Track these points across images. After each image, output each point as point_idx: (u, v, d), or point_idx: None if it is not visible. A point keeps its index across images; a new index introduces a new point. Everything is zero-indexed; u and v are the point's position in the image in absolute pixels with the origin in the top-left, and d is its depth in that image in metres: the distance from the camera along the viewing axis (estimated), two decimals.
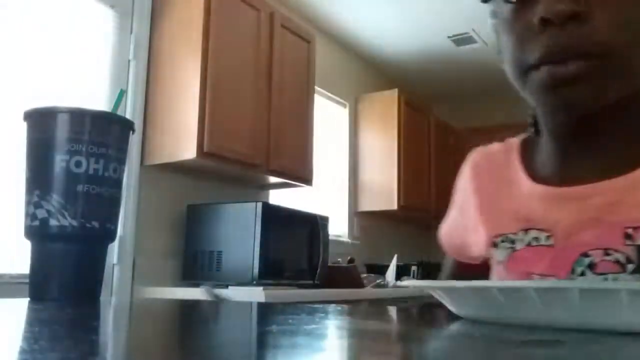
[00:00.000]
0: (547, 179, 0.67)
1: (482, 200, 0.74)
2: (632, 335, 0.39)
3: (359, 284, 2.95)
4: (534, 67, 0.58)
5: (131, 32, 2.58)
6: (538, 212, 0.65)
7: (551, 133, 0.68)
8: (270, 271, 2.41)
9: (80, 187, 0.76)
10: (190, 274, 2.54)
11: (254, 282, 2.35)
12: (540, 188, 0.67)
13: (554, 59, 0.56)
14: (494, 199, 0.73)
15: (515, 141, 0.76)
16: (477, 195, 0.75)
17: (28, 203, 0.77)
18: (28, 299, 0.76)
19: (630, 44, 0.55)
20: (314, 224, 2.73)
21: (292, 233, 2.63)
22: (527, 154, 0.72)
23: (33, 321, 0.50)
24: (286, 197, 3.27)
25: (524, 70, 0.60)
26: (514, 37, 0.60)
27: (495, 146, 0.79)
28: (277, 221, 2.52)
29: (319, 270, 2.68)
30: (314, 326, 0.46)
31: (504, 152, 0.76)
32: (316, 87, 3.30)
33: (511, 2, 0.60)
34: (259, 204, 2.43)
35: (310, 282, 2.64)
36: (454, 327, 0.49)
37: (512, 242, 0.67)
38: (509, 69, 0.65)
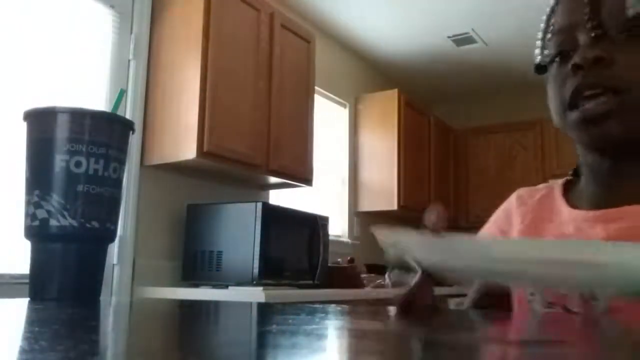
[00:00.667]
0: (584, 206, 0.74)
1: (524, 224, 0.81)
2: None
3: (359, 284, 2.95)
4: (570, 106, 0.69)
5: (131, 32, 2.58)
6: (571, 232, 0.72)
7: (589, 165, 0.75)
8: (270, 271, 2.41)
9: (80, 187, 0.76)
10: (190, 274, 2.54)
11: (254, 282, 2.35)
12: (575, 213, 0.74)
13: (583, 95, 0.66)
14: (536, 224, 0.79)
15: (559, 181, 0.84)
16: (520, 219, 0.82)
17: (28, 203, 0.77)
18: (28, 299, 0.76)
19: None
20: (314, 224, 2.73)
21: (292, 233, 2.63)
22: (569, 189, 0.81)
23: (33, 321, 0.50)
24: (286, 197, 3.27)
25: (563, 111, 0.70)
26: (556, 84, 0.72)
27: (540, 185, 0.88)
28: (277, 221, 2.52)
29: (319, 270, 2.68)
30: (314, 326, 0.46)
31: (548, 188, 0.84)
32: (316, 87, 3.30)
33: (554, 61, 0.72)
34: (259, 204, 2.43)
35: (310, 282, 2.64)
36: (454, 327, 0.49)
37: None
38: (553, 114, 0.74)
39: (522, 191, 0.87)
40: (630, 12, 0.63)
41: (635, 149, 0.68)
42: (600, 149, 0.71)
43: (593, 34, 0.66)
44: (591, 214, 0.72)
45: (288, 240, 2.59)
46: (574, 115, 0.68)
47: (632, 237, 0.63)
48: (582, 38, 0.67)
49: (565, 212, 0.76)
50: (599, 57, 0.65)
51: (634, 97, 0.64)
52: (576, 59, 0.66)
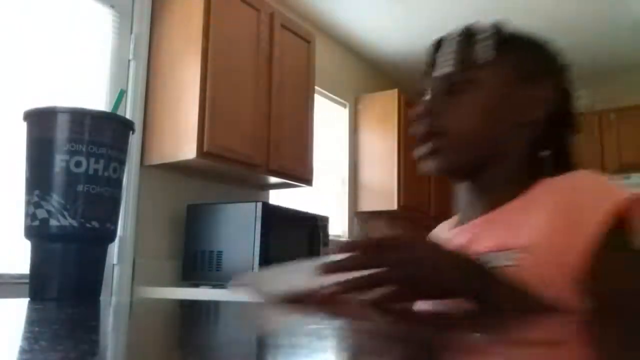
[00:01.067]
0: (458, 223, 0.92)
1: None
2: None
3: None
4: (416, 144, 0.87)
5: (131, 32, 2.58)
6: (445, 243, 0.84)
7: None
8: None
9: (80, 187, 0.76)
10: (190, 274, 2.54)
11: None
12: (449, 232, 0.92)
13: (417, 139, 0.85)
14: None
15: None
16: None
17: (28, 203, 0.77)
18: (28, 299, 0.76)
19: (461, 129, 0.82)
20: (314, 224, 2.73)
21: (292, 233, 2.63)
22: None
23: (33, 321, 0.50)
24: (286, 197, 3.27)
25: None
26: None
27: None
28: (277, 221, 2.52)
29: None
30: (314, 326, 0.46)
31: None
32: (316, 87, 3.30)
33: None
34: (259, 204, 2.43)
35: None
36: (452, 327, 0.49)
37: None
38: None
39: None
40: (452, 74, 0.83)
41: (467, 173, 0.86)
42: (450, 179, 0.90)
43: (426, 93, 0.87)
44: (454, 230, 0.90)
45: (288, 241, 2.59)
46: (416, 152, 0.87)
47: (474, 244, 0.79)
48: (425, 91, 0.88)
49: (447, 232, 0.93)
50: (426, 110, 0.84)
51: (452, 139, 0.82)
52: (410, 112, 0.88)
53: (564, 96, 0.87)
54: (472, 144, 0.83)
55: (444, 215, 0.96)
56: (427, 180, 4.38)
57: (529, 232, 0.73)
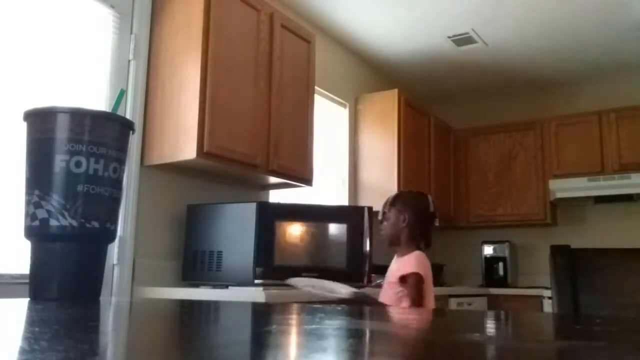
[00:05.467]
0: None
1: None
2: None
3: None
4: None
5: (131, 32, 2.58)
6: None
7: None
8: (271, 271, 2.41)
9: (80, 187, 0.76)
10: (190, 274, 2.54)
11: (254, 282, 2.35)
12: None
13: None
14: None
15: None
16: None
17: (28, 203, 0.77)
18: (28, 299, 0.76)
19: (385, 233, 2.21)
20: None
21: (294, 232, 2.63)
22: None
23: (33, 321, 0.50)
24: (286, 197, 3.27)
25: None
26: None
27: None
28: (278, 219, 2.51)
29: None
30: (314, 326, 0.46)
31: None
32: (316, 87, 3.30)
33: None
34: (259, 204, 2.43)
35: None
36: (452, 326, 0.49)
37: None
38: None
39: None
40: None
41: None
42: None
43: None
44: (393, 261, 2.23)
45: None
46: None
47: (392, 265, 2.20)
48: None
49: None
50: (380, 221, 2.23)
51: (385, 234, 2.23)
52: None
53: (419, 213, 2.19)
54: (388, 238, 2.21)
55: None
56: (427, 181, 4.38)
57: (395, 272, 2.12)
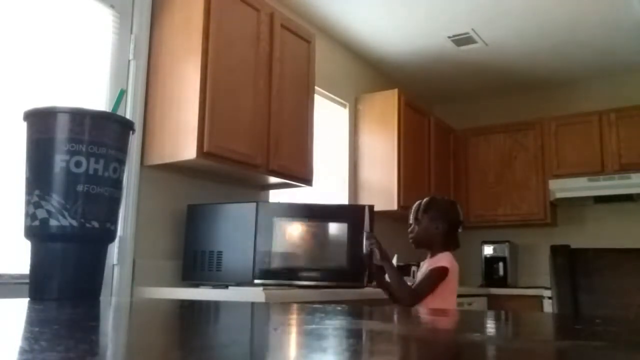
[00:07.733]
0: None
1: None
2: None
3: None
4: None
5: (131, 32, 2.58)
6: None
7: None
8: (270, 271, 2.41)
9: (80, 187, 0.76)
10: (190, 274, 2.54)
11: (254, 282, 2.35)
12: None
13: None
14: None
15: None
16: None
17: (28, 203, 0.77)
18: (28, 299, 0.76)
19: (417, 238, 2.34)
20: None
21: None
22: None
23: (33, 321, 0.50)
24: (286, 197, 3.27)
25: None
26: None
27: None
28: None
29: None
30: (314, 326, 0.46)
31: None
32: (316, 87, 3.30)
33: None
34: (259, 204, 2.43)
35: (310, 282, 2.63)
36: (452, 326, 0.49)
37: None
38: None
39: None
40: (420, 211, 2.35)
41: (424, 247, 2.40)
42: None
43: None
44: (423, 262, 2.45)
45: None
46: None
47: (424, 265, 2.39)
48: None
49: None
50: (410, 228, 2.36)
51: (417, 240, 2.34)
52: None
53: (451, 222, 2.36)
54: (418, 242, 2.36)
55: None
56: (427, 181, 4.38)
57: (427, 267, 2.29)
